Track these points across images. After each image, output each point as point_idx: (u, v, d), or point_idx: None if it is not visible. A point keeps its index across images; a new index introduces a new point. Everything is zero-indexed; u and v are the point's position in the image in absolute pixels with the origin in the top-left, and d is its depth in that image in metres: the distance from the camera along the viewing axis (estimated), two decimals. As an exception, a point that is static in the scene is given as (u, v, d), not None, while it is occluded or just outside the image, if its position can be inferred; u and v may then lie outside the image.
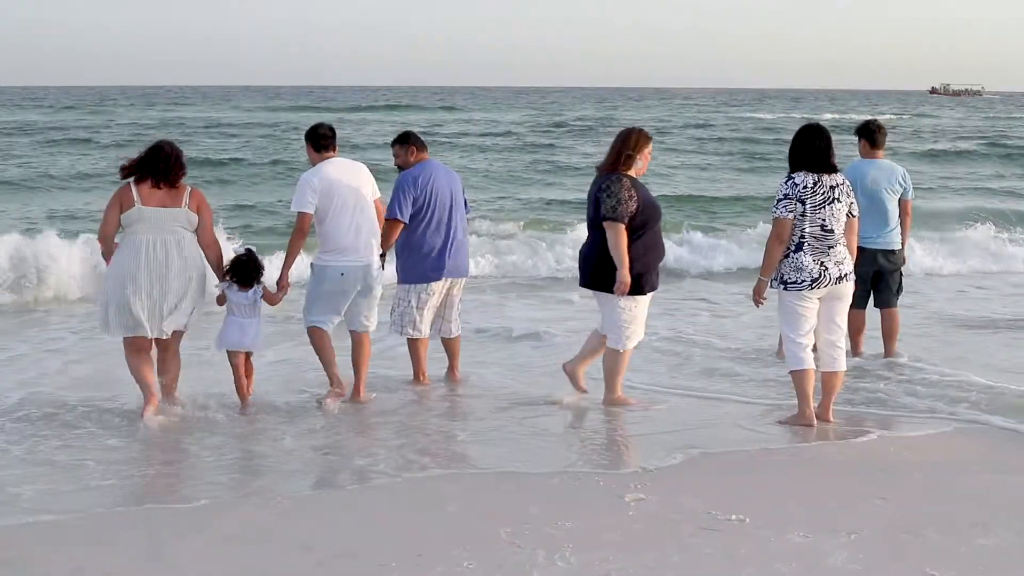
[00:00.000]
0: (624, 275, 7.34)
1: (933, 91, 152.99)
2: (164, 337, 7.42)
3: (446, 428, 7.53)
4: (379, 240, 7.87)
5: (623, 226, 7.31)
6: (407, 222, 8.10)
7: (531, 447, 6.93)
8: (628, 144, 7.47)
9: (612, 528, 5.39)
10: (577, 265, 7.84)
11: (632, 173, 7.48)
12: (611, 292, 7.44)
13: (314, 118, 52.09)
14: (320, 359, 7.90)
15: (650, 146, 7.58)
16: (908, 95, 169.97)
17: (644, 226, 7.41)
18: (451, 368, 8.63)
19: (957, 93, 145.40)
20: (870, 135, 9.16)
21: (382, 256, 8.01)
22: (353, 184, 7.70)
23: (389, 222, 8.09)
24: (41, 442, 7.02)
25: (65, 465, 6.57)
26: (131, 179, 7.36)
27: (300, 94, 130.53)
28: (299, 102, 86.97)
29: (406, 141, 8.35)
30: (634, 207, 7.34)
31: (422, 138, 8.48)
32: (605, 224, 7.32)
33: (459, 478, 6.30)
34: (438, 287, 8.29)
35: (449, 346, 8.61)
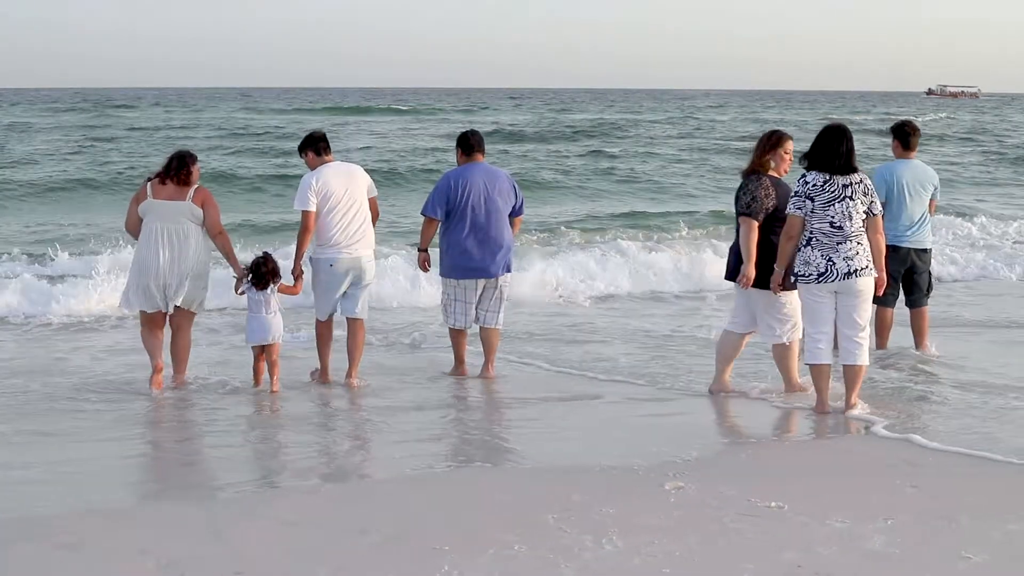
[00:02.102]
0: (749, 270, 7.64)
1: (930, 92, 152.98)
2: (169, 311, 8.25)
3: (484, 422, 7.80)
4: (371, 236, 8.58)
5: (756, 223, 7.62)
6: (440, 219, 8.64)
7: (568, 440, 7.14)
8: (764, 146, 7.78)
9: (655, 514, 5.58)
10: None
11: (773, 173, 7.74)
12: (765, 288, 7.68)
13: (343, 121, 51.64)
14: (317, 348, 8.65)
15: (786, 144, 7.82)
16: (904, 96, 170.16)
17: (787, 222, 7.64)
18: (486, 363, 8.88)
19: (954, 94, 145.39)
20: (904, 136, 9.37)
21: (422, 250, 8.80)
22: (347, 186, 8.43)
23: (424, 219, 8.76)
24: (86, 430, 7.35)
25: (115, 452, 6.87)
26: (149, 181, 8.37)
27: (311, 95, 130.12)
28: (318, 104, 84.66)
29: (457, 144, 8.95)
30: (771, 205, 7.63)
31: (473, 141, 8.85)
32: (740, 220, 7.64)
33: (501, 470, 6.53)
34: (471, 283, 8.67)
35: (486, 338, 8.87)
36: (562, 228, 18.43)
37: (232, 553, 5.10)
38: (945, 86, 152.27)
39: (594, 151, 35.54)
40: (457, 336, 8.84)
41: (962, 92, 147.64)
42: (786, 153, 7.82)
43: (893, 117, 66.74)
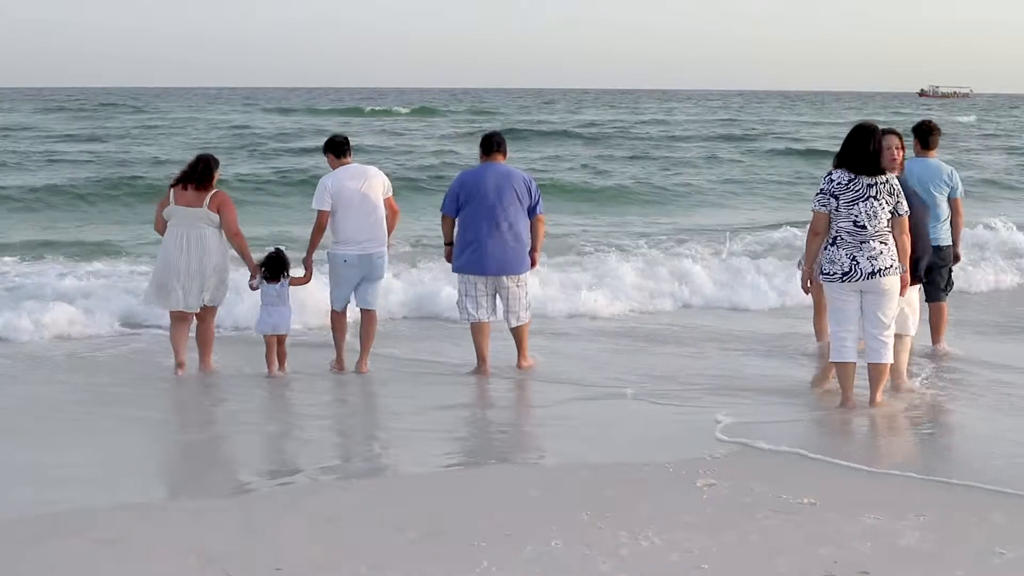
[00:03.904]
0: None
1: (922, 93, 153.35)
2: (190, 310, 8.69)
3: (510, 420, 7.87)
4: (385, 234, 8.95)
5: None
6: (454, 216, 8.93)
7: (595, 438, 7.15)
8: None
9: (689, 511, 5.61)
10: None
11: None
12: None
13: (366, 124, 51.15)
14: (333, 337, 9.05)
15: (886, 140, 7.76)
16: (898, 97, 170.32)
17: None
18: (518, 355, 9.07)
19: (946, 95, 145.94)
20: (923, 135, 9.46)
21: (447, 244, 9.03)
22: (362, 187, 8.84)
23: (441, 216, 9.08)
24: (110, 425, 7.42)
25: (142, 447, 6.96)
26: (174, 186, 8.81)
27: (314, 95, 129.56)
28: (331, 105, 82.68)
29: (479, 145, 9.20)
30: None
31: (493, 142, 9.02)
32: None
33: (532, 467, 6.57)
34: (480, 279, 8.85)
35: (514, 336, 9.08)
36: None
37: (271, 549, 5.12)
38: (937, 87, 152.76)
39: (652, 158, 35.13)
40: (475, 334, 8.93)
41: (954, 93, 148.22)
42: (886, 149, 7.76)
43: (896, 119, 66.80)
